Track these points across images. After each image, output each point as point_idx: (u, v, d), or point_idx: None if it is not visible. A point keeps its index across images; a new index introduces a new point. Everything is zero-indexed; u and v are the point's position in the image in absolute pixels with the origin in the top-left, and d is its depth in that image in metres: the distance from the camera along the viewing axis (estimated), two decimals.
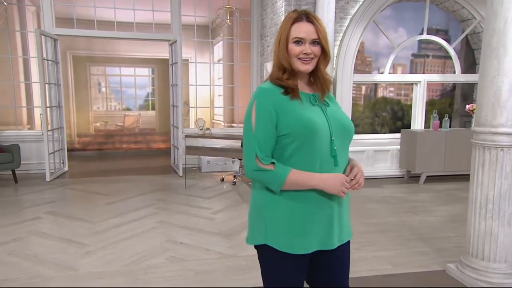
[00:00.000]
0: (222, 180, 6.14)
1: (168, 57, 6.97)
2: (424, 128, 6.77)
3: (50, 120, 6.30)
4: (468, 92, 7.61)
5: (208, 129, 6.09)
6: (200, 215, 4.43)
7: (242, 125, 1.63)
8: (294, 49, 1.43)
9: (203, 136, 5.87)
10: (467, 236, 2.90)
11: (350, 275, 1.67)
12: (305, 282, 1.62)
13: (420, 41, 7.10)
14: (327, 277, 1.61)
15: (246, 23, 7.29)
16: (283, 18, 5.92)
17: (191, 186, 5.80)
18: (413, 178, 6.39)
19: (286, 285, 1.51)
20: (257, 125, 1.42)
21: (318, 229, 1.47)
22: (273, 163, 1.43)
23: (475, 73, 6.82)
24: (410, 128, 6.83)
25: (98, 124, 11.79)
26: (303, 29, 1.42)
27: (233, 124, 8.31)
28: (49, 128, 6.15)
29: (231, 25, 7.44)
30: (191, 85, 7.42)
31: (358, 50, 7.02)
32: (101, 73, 12.16)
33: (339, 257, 1.58)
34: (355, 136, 6.52)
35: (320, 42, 1.43)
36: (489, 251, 2.75)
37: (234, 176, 6.05)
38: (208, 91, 8.22)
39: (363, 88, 8.11)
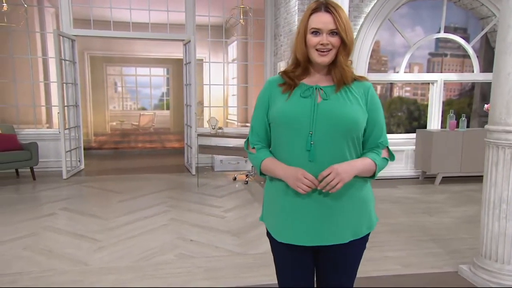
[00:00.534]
0: (235, 179, 6.15)
1: (182, 57, 7.03)
2: (441, 128, 6.65)
3: (67, 119, 6.43)
4: (487, 91, 7.43)
5: (220, 128, 6.11)
6: (211, 213, 4.45)
7: None
8: (312, 39, 1.41)
9: (215, 135, 5.90)
10: (480, 237, 2.84)
11: (358, 275, 1.63)
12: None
13: (438, 40, 6.98)
14: (322, 277, 1.61)
15: (260, 22, 7.29)
16: (296, 17, 5.91)
17: (203, 184, 5.83)
18: (429, 178, 6.28)
19: (276, 262, 1.61)
20: (254, 112, 1.58)
21: (299, 222, 1.46)
22: (255, 147, 1.56)
23: None
24: (426, 128, 6.72)
25: (114, 123, 12.00)
26: (320, 20, 1.39)
27: (247, 124, 8.32)
28: (66, 127, 6.27)
29: (245, 25, 7.46)
30: (205, 84, 7.47)
31: (373, 49, 6.94)
32: (117, 73, 12.38)
33: (331, 258, 1.55)
34: None
35: (339, 32, 1.39)
36: (503, 252, 2.68)
37: (247, 175, 6.06)
38: (222, 90, 8.26)
39: (378, 87, 8.02)
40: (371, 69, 7.01)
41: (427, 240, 3.69)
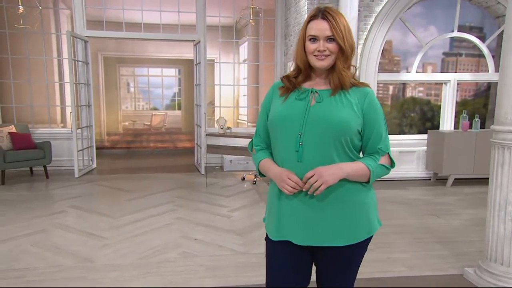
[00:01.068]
0: (243, 179, 6.17)
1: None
2: (454, 129, 6.54)
3: (80, 118, 6.55)
4: None
5: (229, 128, 6.14)
6: (217, 212, 4.47)
7: None
8: (310, 46, 1.44)
9: (223, 135, 5.92)
10: (485, 239, 2.78)
11: (361, 276, 1.63)
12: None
13: (453, 39, 6.85)
14: (321, 277, 1.62)
15: (270, 22, 7.29)
16: (305, 17, 5.88)
17: (212, 184, 5.86)
18: (441, 180, 6.17)
19: (268, 264, 1.61)
20: (258, 116, 1.66)
21: (294, 222, 1.48)
22: (256, 148, 1.64)
23: None
24: (439, 129, 6.61)
25: (126, 123, 12.17)
26: (317, 27, 1.42)
27: None
28: (79, 127, 6.38)
29: (256, 25, 7.46)
30: (216, 85, 7.51)
31: (386, 49, 6.86)
32: (130, 74, 12.56)
33: (329, 259, 1.55)
34: None
35: (335, 39, 1.41)
36: (509, 255, 2.62)
37: (255, 176, 6.07)
38: (233, 91, 8.28)
39: (391, 88, 7.93)
40: (383, 69, 6.94)
41: (433, 242, 3.63)
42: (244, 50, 9.78)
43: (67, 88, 7.35)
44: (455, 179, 5.93)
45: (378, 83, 6.73)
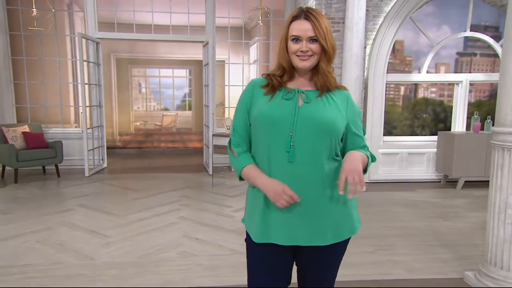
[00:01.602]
0: None
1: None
2: (466, 130, 6.41)
3: (91, 118, 6.67)
4: None
5: None
6: (221, 212, 4.50)
7: None
8: (292, 46, 1.44)
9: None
10: (485, 243, 2.73)
11: (359, 278, 1.62)
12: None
13: (467, 39, 6.73)
14: (302, 277, 1.63)
15: (280, 23, 7.29)
16: None
17: (218, 184, 5.90)
18: (451, 183, 6.06)
19: (250, 267, 1.61)
20: (235, 113, 1.58)
21: (279, 222, 1.48)
22: (237, 151, 1.54)
23: None
24: (449, 130, 6.50)
25: (138, 124, 12.35)
26: (300, 27, 1.42)
27: None
28: (89, 126, 6.50)
29: (265, 26, 7.47)
30: (226, 85, 7.55)
31: (398, 49, 6.77)
32: (141, 75, 12.72)
33: (311, 258, 1.55)
34: (387, 138, 6.32)
35: (318, 39, 1.42)
36: (509, 259, 2.57)
37: None
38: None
39: (402, 88, 7.83)
40: (395, 70, 6.86)
41: (437, 245, 3.57)
42: (254, 50, 9.79)
43: (80, 89, 7.49)
44: (465, 181, 5.82)
45: (388, 84, 6.67)
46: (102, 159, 7.00)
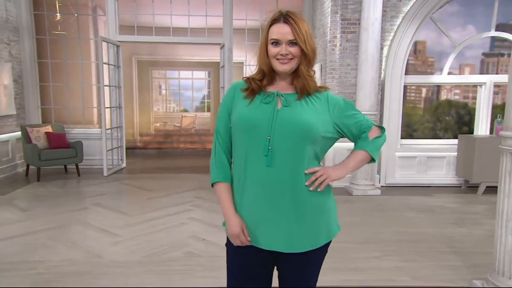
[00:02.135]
0: None
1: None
2: (490, 134, 6.19)
3: (111, 119, 6.84)
4: None
5: None
6: None
7: None
8: (272, 50, 1.43)
9: None
10: (493, 251, 2.62)
11: (360, 283, 1.60)
12: None
13: (494, 39, 6.50)
14: (282, 283, 1.61)
15: None
16: (329, 19, 5.82)
17: None
18: (472, 188, 5.86)
19: (229, 271, 1.61)
20: (218, 115, 1.59)
21: (258, 226, 1.48)
22: (218, 157, 1.55)
23: None
24: (472, 133, 6.29)
25: (157, 125, 12.59)
26: (279, 30, 1.42)
27: None
28: (109, 127, 6.67)
29: None
30: None
31: (419, 50, 6.62)
32: (161, 76, 12.96)
33: (290, 265, 1.54)
34: (404, 141, 6.17)
35: (297, 43, 1.41)
36: None
37: None
38: None
39: (423, 90, 7.64)
40: (416, 71, 6.71)
41: (447, 252, 3.47)
42: None
43: (105, 90, 7.70)
44: (487, 187, 5.61)
45: (409, 86, 6.53)
46: (121, 159, 7.16)
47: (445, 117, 7.78)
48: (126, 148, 7.55)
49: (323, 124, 1.45)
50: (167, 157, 8.92)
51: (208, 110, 13.17)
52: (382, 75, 5.90)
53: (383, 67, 5.89)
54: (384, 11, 5.62)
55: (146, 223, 4.17)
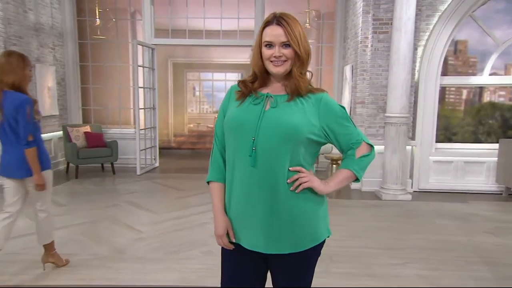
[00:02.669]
0: None
1: None
2: None
3: (145, 120, 7.07)
4: None
5: None
6: None
7: None
8: (265, 52, 1.44)
9: None
10: None
11: None
12: None
13: None
14: (274, 284, 1.60)
15: (330, 25, 7.17)
16: (361, 19, 5.70)
17: None
18: None
19: (223, 271, 1.63)
20: (217, 117, 1.63)
21: (241, 225, 1.49)
22: (214, 156, 1.59)
23: None
24: None
25: (191, 125, 12.87)
26: (272, 32, 1.42)
27: None
28: (142, 127, 6.89)
29: (317, 29, 7.38)
30: None
31: (460, 50, 6.36)
32: (195, 78, 13.24)
33: (278, 266, 1.54)
34: (440, 145, 5.92)
35: (291, 44, 1.41)
36: None
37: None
38: None
39: (464, 92, 7.29)
40: (456, 72, 6.44)
41: (476, 262, 3.29)
42: None
43: (140, 92, 7.99)
44: None
45: (447, 87, 6.27)
46: (155, 159, 7.37)
47: (488, 120, 7.38)
48: (160, 148, 7.76)
49: (308, 126, 1.42)
50: (200, 157, 9.07)
51: None
52: (416, 76, 5.70)
53: (417, 68, 5.69)
54: (419, 10, 5.43)
55: (170, 221, 4.27)
